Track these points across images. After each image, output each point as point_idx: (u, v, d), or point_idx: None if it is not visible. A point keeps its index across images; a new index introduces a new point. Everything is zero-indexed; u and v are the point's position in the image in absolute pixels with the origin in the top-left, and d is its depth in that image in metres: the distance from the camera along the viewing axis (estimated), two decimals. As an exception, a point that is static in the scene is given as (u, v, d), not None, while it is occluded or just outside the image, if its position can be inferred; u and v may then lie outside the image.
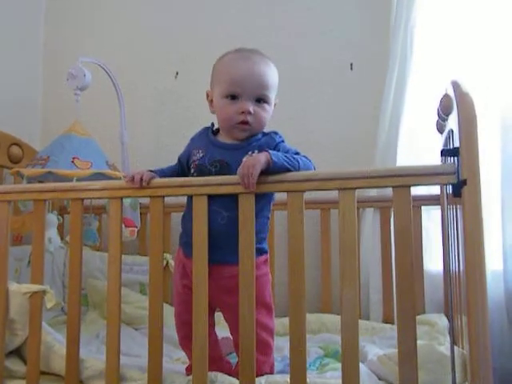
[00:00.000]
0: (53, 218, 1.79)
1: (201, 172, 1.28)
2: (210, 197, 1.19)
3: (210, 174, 1.26)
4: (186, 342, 1.30)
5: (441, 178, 1.06)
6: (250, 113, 1.26)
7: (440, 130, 1.41)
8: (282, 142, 1.30)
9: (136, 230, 1.86)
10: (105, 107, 2.25)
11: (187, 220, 1.28)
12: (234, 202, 1.17)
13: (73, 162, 1.70)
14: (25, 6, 2.47)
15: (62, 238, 1.87)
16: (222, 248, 1.21)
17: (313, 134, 2.09)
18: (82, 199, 1.32)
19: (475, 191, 0.98)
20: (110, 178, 1.73)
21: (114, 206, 1.28)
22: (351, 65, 2.11)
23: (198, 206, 1.19)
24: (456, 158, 1.03)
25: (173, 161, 1.43)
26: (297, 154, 1.27)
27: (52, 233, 1.75)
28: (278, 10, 2.24)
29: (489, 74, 1.78)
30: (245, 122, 1.27)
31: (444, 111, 1.23)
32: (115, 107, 2.10)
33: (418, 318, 1.66)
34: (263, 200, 1.26)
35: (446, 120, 1.26)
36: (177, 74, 2.32)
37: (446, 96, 1.17)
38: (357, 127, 2.08)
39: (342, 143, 2.09)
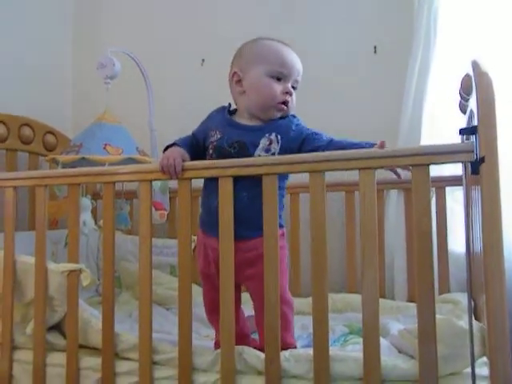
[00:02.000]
0: (87, 202, 1.87)
1: (220, 153, 1.31)
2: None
3: (229, 154, 1.29)
4: (213, 317, 1.36)
5: (459, 156, 1.07)
6: (291, 95, 1.33)
7: (463, 110, 1.41)
8: (300, 124, 1.35)
9: (166, 213, 1.92)
10: (134, 95, 2.29)
11: (208, 200, 1.33)
12: (252, 183, 1.23)
13: (105, 148, 1.77)
14: (56, -2, 2.56)
15: (95, 223, 1.95)
16: (241, 225, 1.25)
17: (336, 117, 2.09)
18: (114, 182, 1.38)
19: (493, 168, 0.99)
20: (140, 163, 1.78)
21: (144, 188, 1.33)
22: (375, 48, 2.11)
23: (224, 188, 1.23)
24: (474, 136, 1.05)
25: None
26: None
27: (86, 216, 1.82)
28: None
29: (514, 53, 1.76)
30: (285, 102, 1.32)
31: (465, 91, 1.24)
32: (144, 95, 2.15)
33: (442, 296, 1.70)
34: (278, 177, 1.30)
35: (468, 100, 1.27)
36: (203, 61, 2.37)
37: (467, 76, 1.17)
38: (380, 110, 2.08)
39: (365, 126, 2.07)
